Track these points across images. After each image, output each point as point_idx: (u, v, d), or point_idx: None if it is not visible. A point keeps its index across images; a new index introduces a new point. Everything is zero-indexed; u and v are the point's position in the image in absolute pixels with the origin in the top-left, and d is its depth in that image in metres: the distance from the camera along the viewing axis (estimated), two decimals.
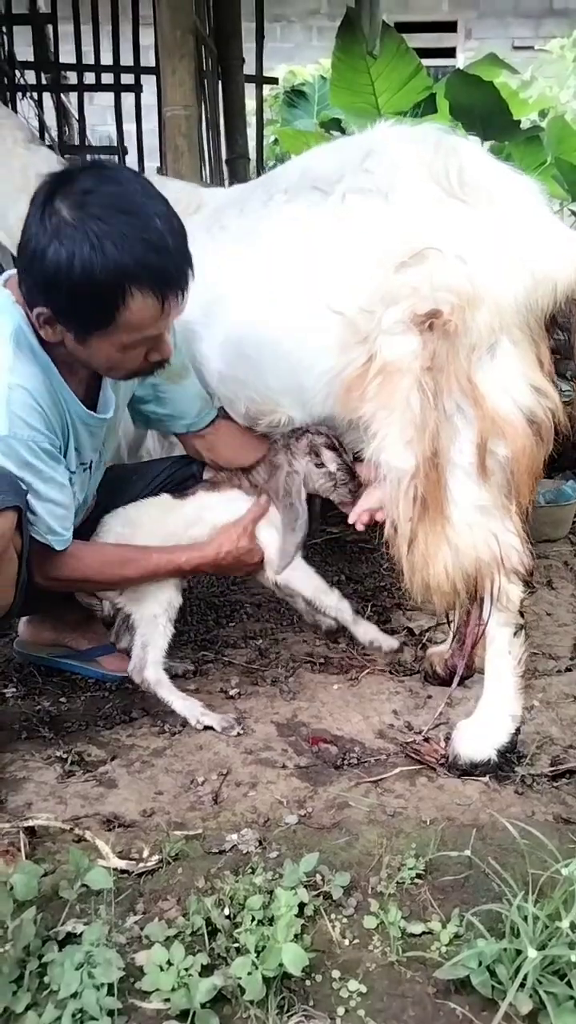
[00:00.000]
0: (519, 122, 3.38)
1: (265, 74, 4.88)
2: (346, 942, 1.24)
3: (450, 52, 8.86)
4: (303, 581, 1.95)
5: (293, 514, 1.87)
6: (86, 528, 1.96)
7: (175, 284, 1.50)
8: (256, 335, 1.77)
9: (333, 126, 4.23)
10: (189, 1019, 1.09)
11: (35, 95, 4.84)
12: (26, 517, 1.54)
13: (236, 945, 1.19)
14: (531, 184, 1.58)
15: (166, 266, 1.46)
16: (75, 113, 5.08)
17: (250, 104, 4.66)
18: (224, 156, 4.33)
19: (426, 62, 3.53)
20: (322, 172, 1.70)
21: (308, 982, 1.17)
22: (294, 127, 5.37)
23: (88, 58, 4.87)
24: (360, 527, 1.86)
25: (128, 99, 4.83)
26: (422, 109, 3.34)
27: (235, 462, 2.03)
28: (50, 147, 2.84)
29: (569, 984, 1.08)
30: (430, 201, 1.53)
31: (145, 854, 1.42)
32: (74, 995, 1.10)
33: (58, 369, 1.62)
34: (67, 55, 4.90)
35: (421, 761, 1.70)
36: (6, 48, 4.59)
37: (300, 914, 1.24)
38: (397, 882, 1.32)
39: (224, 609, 2.52)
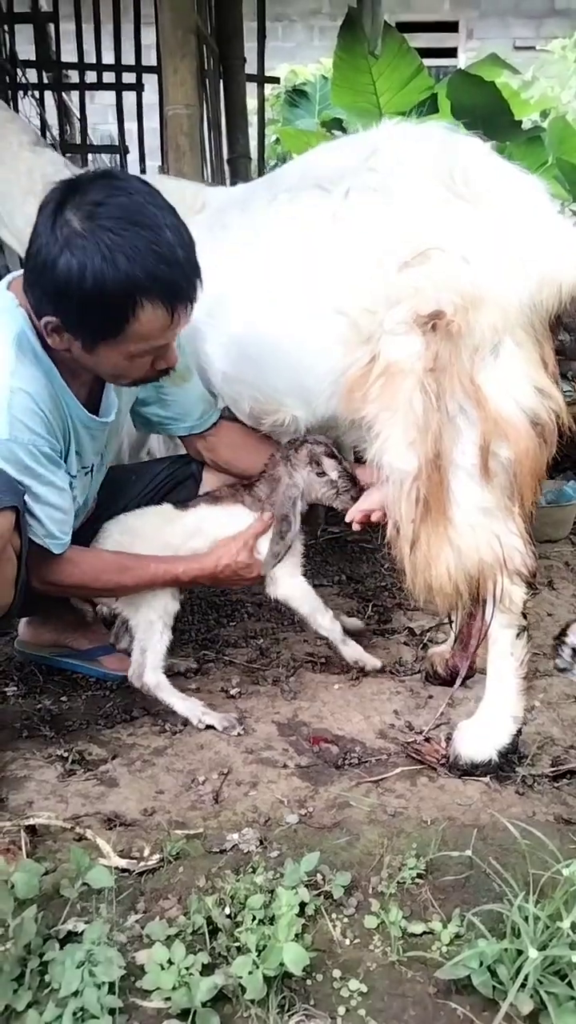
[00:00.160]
0: (520, 122, 3.38)
1: (267, 73, 4.89)
2: (347, 942, 1.24)
3: (451, 52, 8.86)
4: (301, 599, 1.96)
5: (286, 525, 1.88)
6: (86, 529, 1.97)
7: (185, 295, 1.50)
8: (259, 335, 1.77)
9: (334, 126, 4.23)
10: (190, 1018, 1.09)
11: (37, 94, 4.84)
12: (24, 518, 1.54)
13: (237, 944, 1.19)
14: (537, 183, 1.56)
15: (176, 278, 1.47)
16: (77, 112, 5.09)
17: (252, 103, 4.67)
18: (225, 155, 4.33)
19: (427, 62, 3.53)
20: (325, 171, 1.69)
21: (309, 981, 1.17)
22: (295, 127, 5.37)
23: (90, 57, 4.87)
24: (356, 527, 1.86)
25: (129, 98, 4.83)
26: (424, 109, 3.34)
27: (235, 463, 2.03)
28: (52, 145, 2.85)
29: (570, 984, 1.09)
30: (434, 201, 1.52)
31: (146, 853, 1.42)
32: (75, 993, 1.10)
33: (60, 372, 1.62)
34: (69, 54, 4.90)
35: (422, 761, 1.70)
36: (8, 47, 4.59)
37: (301, 913, 1.24)
38: (398, 882, 1.33)
39: (225, 608, 2.52)
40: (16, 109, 4.46)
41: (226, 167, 4.33)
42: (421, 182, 1.54)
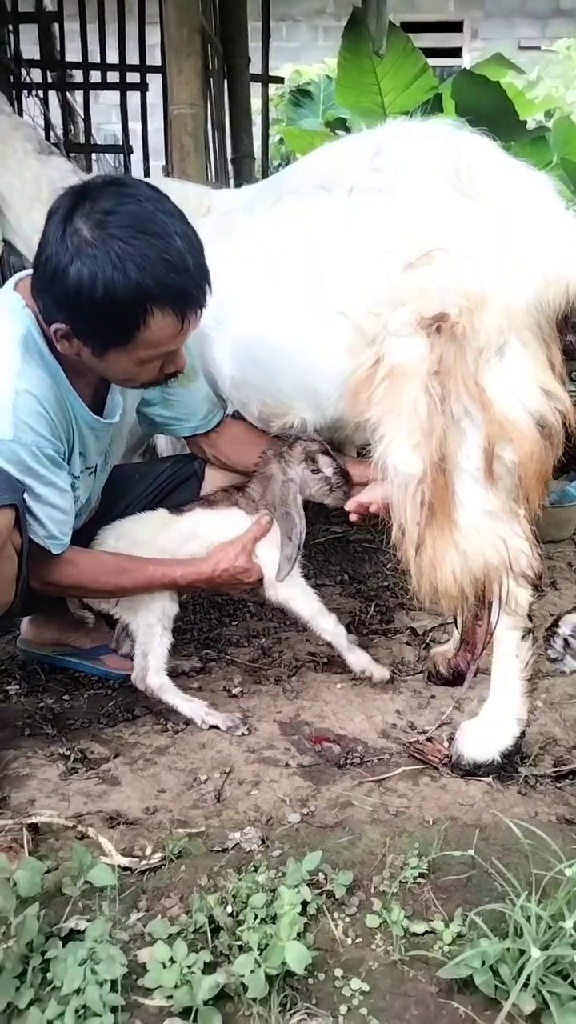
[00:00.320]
0: (525, 122, 3.38)
1: (271, 73, 4.89)
2: (349, 941, 1.24)
3: (456, 52, 8.85)
4: (303, 603, 1.95)
5: (290, 523, 1.87)
6: (89, 528, 1.97)
7: (195, 302, 1.50)
8: (265, 339, 1.76)
9: (338, 125, 4.24)
10: (192, 1016, 1.09)
11: (41, 93, 4.83)
12: (24, 517, 1.54)
13: (239, 943, 1.19)
14: (544, 180, 1.54)
15: (186, 285, 1.47)
16: (81, 111, 5.09)
17: (256, 103, 4.67)
18: (229, 155, 4.33)
19: (432, 62, 3.53)
20: (330, 171, 1.68)
21: (311, 980, 1.17)
22: (299, 126, 5.37)
23: (94, 56, 4.87)
24: (354, 517, 1.87)
25: (134, 98, 4.84)
26: (428, 109, 3.34)
27: (237, 459, 2.03)
28: (56, 145, 2.86)
29: (572, 984, 1.09)
30: (439, 200, 1.51)
31: (148, 851, 1.42)
32: (77, 991, 1.10)
33: (66, 374, 1.62)
34: (73, 53, 4.91)
35: (424, 761, 1.70)
36: (12, 46, 4.59)
37: (303, 912, 1.24)
38: (400, 881, 1.32)
39: (227, 608, 2.52)
40: (20, 109, 4.47)
41: (230, 167, 4.33)
42: (426, 181, 1.53)
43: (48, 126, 4.83)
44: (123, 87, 4.86)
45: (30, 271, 1.55)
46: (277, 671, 2.11)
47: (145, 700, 1.96)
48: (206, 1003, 1.10)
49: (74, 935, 1.22)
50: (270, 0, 4.63)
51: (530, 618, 1.63)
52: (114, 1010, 1.09)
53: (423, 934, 1.24)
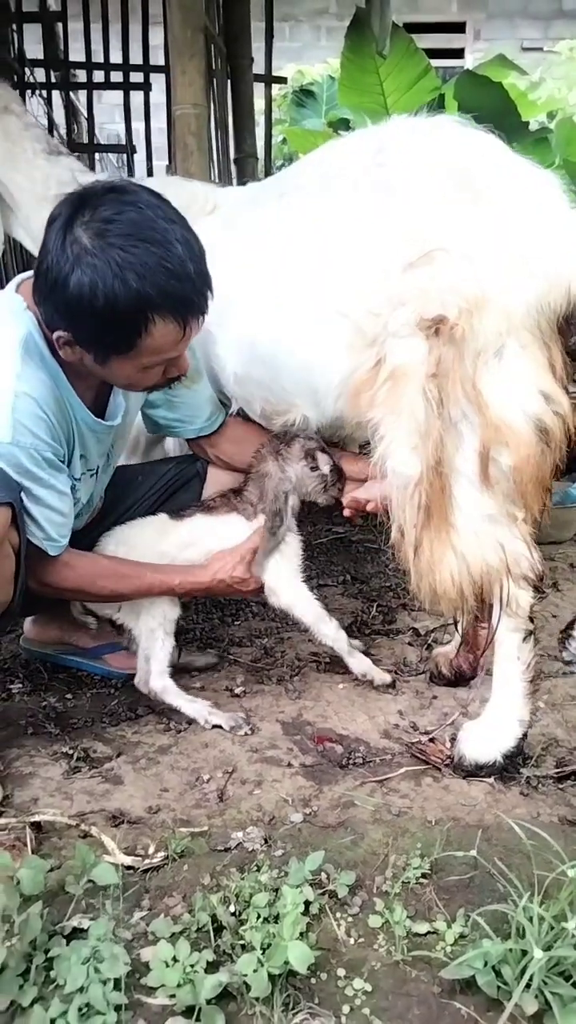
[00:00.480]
0: (527, 123, 3.38)
1: (274, 73, 4.89)
2: (351, 941, 1.24)
3: (459, 53, 8.85)
4: (304, 608, 1.94)
5: (278, 521, 1.88)
6: (91, 529, 1.97)
7: (196, 309, 1.51)
8: (267, 336, 1.77)
9: (341, 126, 4.23)
10: (195, 1015, 1.09)
11: (44, 93, 4.84)
12: (21, 517, 1.55)
13: (242, 942, 1.19)
14: (550, 178, 1.52)
15: (187, 292, 1.47)
16: (84, 111, 5.09)
17: (259, 103, 4.67)
18: (232, 155, 4.34)
19: (435, 63, 3.53)
20: (335, 168, 1.67)
21: (313, 980, 1.17)
22: (302, 126, 5.38)
23: (97, 56, 4.88)
24: (348, 513, 1.87)
25: (137, 97, 4.84)
26: (431, 110, 3.34)
27: (239, 457, 2.03)
28: (60, 141, 2.88)
29: (575, 985, 1.09)
30: (440, 198, 1.49)
31: (151, 850, 1.42)
32: (80, 990, 1.10)
33: (67, 376, 1.62)
34: (76, 53, 4.91)
35: (426, 761, 1.70)
36: (16, 46, 4.60)
37: (305, 912, 1.24)
38: (402, 882, 1.33)
39: (230, 608, 2.52)
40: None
41: (233, 167, 4.34)
42: (429, 179, 1.51)
43: (51, 126, 4.84)
44: (126, 87, 4.87)
45: (32, 273, 1.55)
46: (280, 671, 2.11)
47: (148, 699, 1.96)
48: (209, 1002, 1.10)
49: (77, 934, 1.22)
50: (273, 0, 4.64)
51: (531, 620, 1.63)
52: (117, 1009, 1.09)
53: (425, 934, 1.24)
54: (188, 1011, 1.10)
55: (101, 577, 1.79)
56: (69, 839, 1.45)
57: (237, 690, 2.02)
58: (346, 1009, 1.13)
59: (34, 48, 4.81)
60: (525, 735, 1.65)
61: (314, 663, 2.16)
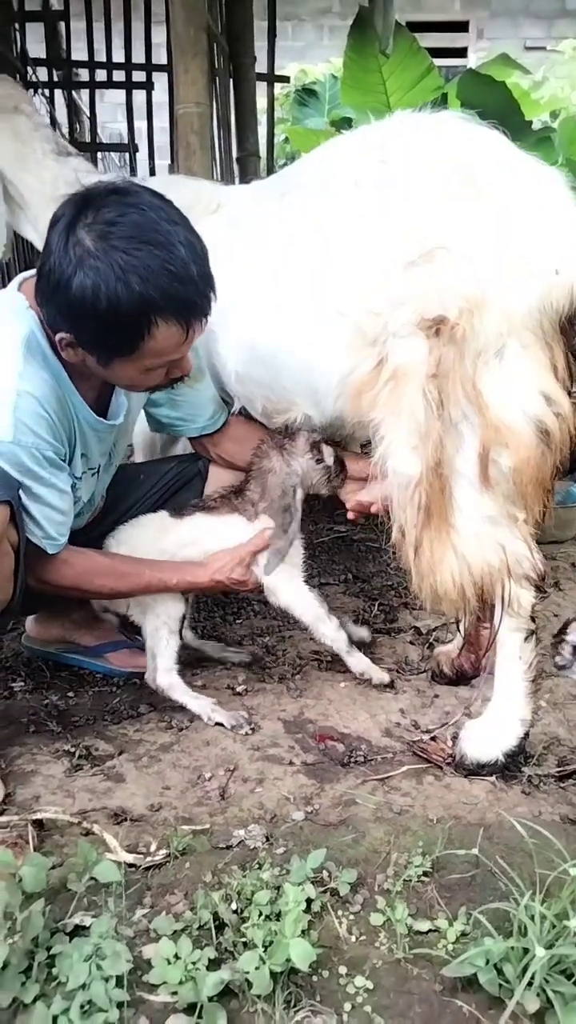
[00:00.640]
0: (531, 122, 3.38)
1: (276, 72, 4.90)
2: (353, 938, 1.24)
3: (462, 52, 8.85)
4: (303, 608, 1.94)
5: (288, 517, 1.87)
6: (93, 527, 1.97)
7: (199, 311, 1.50)
8: (268, 336, 1.76)
9: (344, 125, 4.23)
10: (196, 1012, 1.09)
11: (47, 92, 4.85)
12: (20, 515, 1.55)
13: (243, 940, 1.19)
14: (554, 176, 1.49)
15: (190, 295, 1.47)
16: (86, 110, 5.10)
17: (261, 102, 4.68)
18: (235, 154, 4.34)
19: (438, 62, 3.53)
20: (337, 164, 1.66)
21: (315, 977, 1.17)
22: (305, 125, 5.38)
23: (100, 55, 4.89)
24: (352, 516, 1.87)
25: (139, 96, 4.85)
26: (434, 109, 3.34)
27: (241, 458, 2.03)
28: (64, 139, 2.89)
29: None
30: (443, 195, 1.48)
31: (153, 848, 1.42)
32: (82, 987, 1.10)
33: (69, 375, 1.62)
34: (79, 52, 4.92)
35: (428, 760, 1.70)
36: (19, 45, 4.60)
37: (307, 910, 1.24)
38: (404, 880, 1.33)
39: (231, 606, 2.53)
40: None
41: (235, 166, 4.34)
42: (431, 175, 1.49)
43: (54, 125, 4.84)
44: (129, 86, 4.88)
45: (34, 272, 1.55)
46: (281, 669, 2.12)
47: (149, 697, 1.97)
48: (211, 999, 1.10)
49: (79, 931, 1.22)
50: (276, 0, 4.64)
51: (533, 619, 1.63)
52: (119, 1006, 1.10)
53: (427, 932, 1.25)
54: (190, 1008, 1.10)
55: (99, 575, 1.79)
56: (71, 837, 1.45)
57: (239, 688, 2.02)
58: (348, 1007, 1.13)
59: (37, 47, 4.81)
60: (527, 734, 1.65)
61: (316, 661, 2.16)
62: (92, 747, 1.77)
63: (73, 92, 5.14)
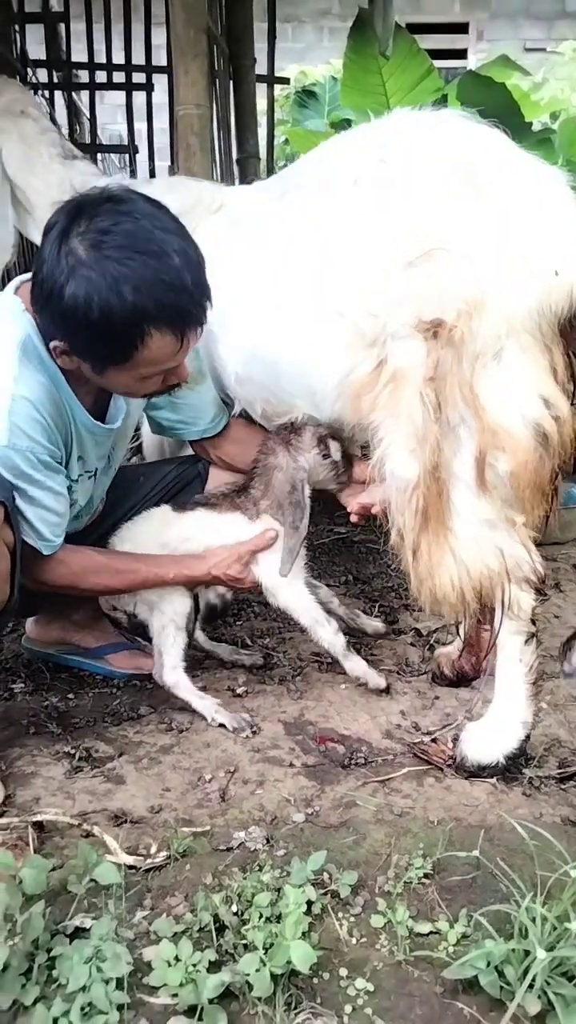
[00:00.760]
0: (530, 124, 3.38)
1: (276, 74, 4.90)
2: (353, 940, 1.24)
3: (462, 54, 8.86)
4: (301, 611, 1.92)
5: (299, 512, 1.86)
6: (92, 529, 1.97)
7: (194, 320, 1.49)
8: (268, 337, 1.76)
9: (344, 127, 4.23)
10: (197, 1015, 1.09)
11: (47, 93, 4.85)
12: (15, 516, 1.55)
13: (244, 942, 1.19)
14: (555, 175, 1.47)
15: (184, 304, 1.46)
16: (86, 112, 5.10)
17: (261, 104, 4.68)
18: (235, 155, 4.34)
19: (437, 63, 3.54)
20: (337, 163, 1.65)
21: (315, 980, 1.17)
22: (304, 127, 5.39)
23: (100, 57, 4.89)
24: (355, 519, 1.86)
25: (139, 98, 4.85)
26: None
27: (241, 459, 2.03)
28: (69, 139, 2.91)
29: None
30: (442, 194, 1.46)
31: (153, 850, 1.42)
32: (83, 989, 1.10)
33: (67, 379, 1.62)
34: (79, 53, 4.92)
35: (428, 762, 1.70)
36: (18, 46, 4.60)
37: (308, 912, 1.24)
38: (405, 882, 1.33)
39: (232, 608, 2.52)
40: None
41: (235, 167, 4.34)
42: (430, 174, 1.48)
43: (54, 126, 4.84)
44: (129, 87, 4.88)
45: (31, 275, 1.54)
46: (281, 671, 2.12)
47: (150, 699, 1.97)
48: (211, 1001, 1.10)
49: (80, 933, 1.22)
50: (276, 1, 4.64)
51: (533, 622, 1.63)
52: (119, 1008, 1.09)
53: (428, 934, 1.24)
54: (190, 1011, 1.10)
55: (95, 573, 1.78)
56: (71, 839, 1.45)
57: (239, 690, 2.02)
58: (348, 1009, 1.13)
59: (37, 48, 4.81)
60: (528, 737, 1.65)
61: (316, 663, 2.16)
62: (92, 749, 1.77)
63: (73, 93, 5.14)
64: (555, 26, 8.87)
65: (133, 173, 5.14)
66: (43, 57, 4.84)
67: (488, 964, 1.12)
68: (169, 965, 1.15)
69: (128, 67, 4.86)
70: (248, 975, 1.12)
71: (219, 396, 2.01)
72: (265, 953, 1.15)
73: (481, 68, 3.91)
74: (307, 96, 6.22)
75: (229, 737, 1.80)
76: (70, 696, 2.03)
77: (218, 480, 2.09)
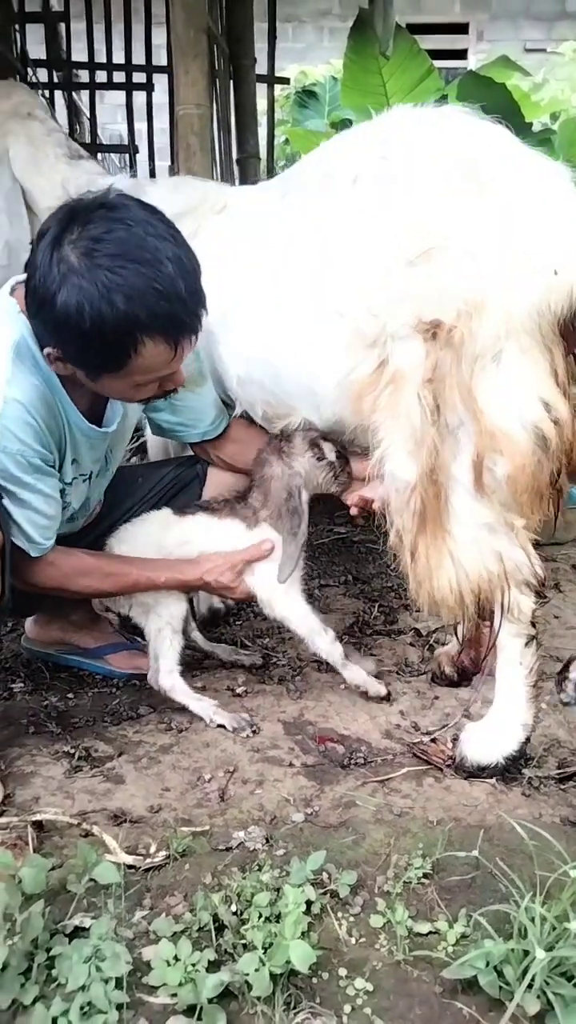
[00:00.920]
0: (531, 124, 3.39)
1: (276, 74, 4.90)
2: (353, 940, 1.24)
3: (462, 54, 8.86)
4: (297, 622, 1.92)
5: (296, 519, 1.85)
6: (90, 530, 1.97)
7: (188, 328, 1.48)
8: (268, 338, 1.76)
9: (344, 126, 4.23)
10: (196, 1014, 1.09)
11: (47, 93, 4.85)
12: (4, 518, 1.54)
13: (243, 941, 1.19)
14: (559, 170, 1.45)
15: (177, 313, 1.44)
16: (87, 111, 5.10)
17: (261, 104, 4.68)
18: (235, 155, 4.34)
19: (437, 64, 3.54)
20: (338, 161, 1.64)
21: (315, 979, 1.17)
22: (304, 127, 5.39)
23: (100, 56, 4.89)
24: (354, 511, 1.86)
25: (139, 98, 4.85)
26: None
27: (242, 459, 2.03)
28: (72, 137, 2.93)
29: None
30: (443, 191, 1.44)
31: (152, 850, 1.42)
32: (82, 988, 1.10)
33: (62, 382, 1.61)
34: (79, 53, 4.92)
35: (428, 762, 1.70)
36: (19, 46, 4.60)
37: (307, 912, 1.24)
38: (404, 881, 1.33)
39: (231, 608, 2.52)
40: None
41: (235, 167, 4.34)
42: (432, 171, 1.46)
43: None
44: (129, 87, 4.88)
45: (25, 276, 1.52)
46: (281, 671, 2.12)
47: (149, 699, 1.97)
48: (210, 1001, 1.10)
49: (79, 932, 1.22)
50: (276, 1, 4.64)
51: (534, 624, 1.62)
52: (119, 1007, 1.09)
53: (427, 934, 1.24)
54: (189, 1010, 1.10)
55: (85, 575, 1.77)
56: (71, 838, 1.45)
57: (238, 690, 2.02)
58: (347, 1009, 1.13)
59: (37, 48, 4.81)
60: (528, 739, 1.64)
61: (315, 663, 2.15)
62: (92, 748, 1.77)
63: (73, 93, 5.14)
64: (555, 27, 8.87)
65: (133, 173, 5.14)
66: (43, 57, 4.85)
67: (487, 964, 1.12)
68: (168, 965, 1.15)
69: (128, 67, 4.87)
70: (247, 975, 1.12)
71: (220, 397, 2.00)
72: (264, 953, 1.15)
73: (481, 69, 3.91)
74: (307, 96, 6.23)
75: (228, 737, 1.80)
76: (70, 696, 2.03)
77: (217, 481, 2.09)
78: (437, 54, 4.84)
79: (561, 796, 1.59)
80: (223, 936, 1.21)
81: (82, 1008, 1.08)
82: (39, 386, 1.57)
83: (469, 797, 1.58)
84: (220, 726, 1.83)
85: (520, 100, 3.24)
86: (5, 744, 1.78)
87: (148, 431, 2.31)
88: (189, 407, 1.93)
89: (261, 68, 4.54)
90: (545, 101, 5.52)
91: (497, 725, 1.64)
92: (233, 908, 1.25)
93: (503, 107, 3.02)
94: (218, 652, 2.14)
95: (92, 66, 4.93)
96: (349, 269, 1.56)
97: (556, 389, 1.45)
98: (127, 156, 5.21)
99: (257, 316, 1.79)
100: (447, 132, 1.52)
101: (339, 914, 1.28)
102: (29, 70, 4.68)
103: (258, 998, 1.11)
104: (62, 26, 4.89)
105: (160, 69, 4.73)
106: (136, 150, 5.03)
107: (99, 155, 5.41)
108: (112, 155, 6.06)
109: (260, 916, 1.21)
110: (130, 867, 1.37)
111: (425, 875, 1.34)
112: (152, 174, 5.09)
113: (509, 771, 1.63)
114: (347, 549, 3.00)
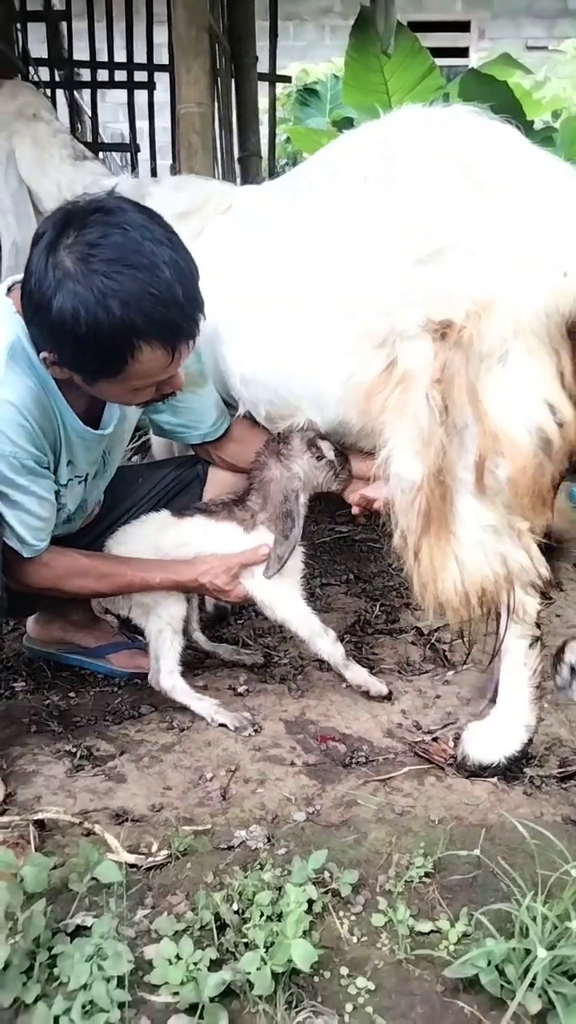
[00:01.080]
0: (532, 122, 3.39)
1: (278, 72, 4.89)
2: (354, 939, 1.24)
3: (463, 52, 8.85)
4: (298, 624, 1.91)
5: (290, 522, 1.84)
6: (88, 531, 1.97)
7: (185, 335, 1.47)
8: (273, 338, 1.75)
9: (345, 125, 4.24)
10: (198, 1013, 1.09)
11: (48, 92, 4.84)
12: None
13: (245, 940, 1.19)
14: (567, 169, 1.44)
15: (174, 318, 1.43)
16: (88, 110, 5.10)
17: (263, 102, 4.68)
18: (236, 154, 4.34)
19: (439, 62, 3.54)
20: (345, 161, 1.63)
21: (316, 978, 1.17)
22: (306, 125, 5.39)
23: (102, 55, 4.88)
24: (356, 511, 1.85)
25: (141, 96, 4.84)
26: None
27: (242, 459, 2.02)
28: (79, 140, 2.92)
29: None
30: (449, 191, 1.44)
31: (154, 848, 1.42)
32: (84, 987, 1.10)
33: (58, 384, 1.60)
34: (81, 52, 4.91)
35: (429, 760, 1.70)
36: (20, 44, 4.60)
37: (309, 911, 1.24)
38: (405, 880, 1.33)
39: (232, 607, 2.52)
40: None
41: (237, 166, 4.34)
42: (439, 172, 1.45)
43: None
44: (130, 86, 4.88)
45: (22, 276, 1.51)
46: (282, 670, 2.12)
47: (151, 698, 1.97)
48: (212, 1000, 1.10)
49: (81, 931, 1.22)
50: None
51: (538, 626, 1.62)
52: (120, 1006, 1.10)
53: (428, 933, 1.25)
54: (191, 1009, 1.10)
55: (79, 576, 1.77)
56: (72, 837, 1.45)
57: (240, 689, 2.02)
58: (349, 1007, 1.13)
59: (38, 47, 4.81)
60: (530, 740, 1.64)
61: (317, 662, 2.15)
62: (93, 747, 1.77)
63: (75, 92, 5.14)
64: (557, 24, 8.85)
65: (135, 172, 5.14)
66: (45, 55, 4.85)
67: (489, 963, 1.12)
68: (170, 963, 1.15)
69: (130, 65, 4.86)
70: (249, 973, 1.13)
71: (222, 398, 2.00)
72: (266, 951, 1.15)
73: (483, 66, 3.90)
74: (309, 94, 6.23)
75: (230, 736, 1.80)
76: (71, 695, 2.03)
77: (218, 480, 2.09)
78: (439, 52, 4.83)
79: (563, 795, 1.59)
80: (225, 935, 1.21)
81: (84, 1007, 1.08)
82: (33, 388, 1.55)
83: (471, 796, 1.58)
84: (222, 725, 1.83)
85: (522, 98, 3.25)
86: (7, 743, 1.78)
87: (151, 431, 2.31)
88: (190, 408, 1.92)
89: (262, 66, 4.54)
90: (547, 99, 5.51)
91: (500, 725, 1.64)
92: (235, 907, 1.25)
93: (505, 105, 3.02)
94: (220, 651, 2.14)
95: (94, 65, 4.92)
96: (357, 269, 1.55)
97: (562, 391, 1.44)
98: (128, 155, 5.21)
99: (262, 316, 1.78)
100: (457, 132, 1.51)
101: (341, 913, 1.28)
102: (31, 69, 4.68)
103: (260, 997, 1.12)
104: (64, 25, 4.88)
105: (162, 68, 4.72)
106: (138, 149, 5.03)
107: (100, 154, 5.41)
108: (113, 154, 6.06)
109: (262, 915, 1.22)
110: (132, 866, 1.37)
111: (427, 874, 1.34)
112: (153, 173, 5.09)
113: (511, 771, 1.63)
114: (349, 548, 3.00)
